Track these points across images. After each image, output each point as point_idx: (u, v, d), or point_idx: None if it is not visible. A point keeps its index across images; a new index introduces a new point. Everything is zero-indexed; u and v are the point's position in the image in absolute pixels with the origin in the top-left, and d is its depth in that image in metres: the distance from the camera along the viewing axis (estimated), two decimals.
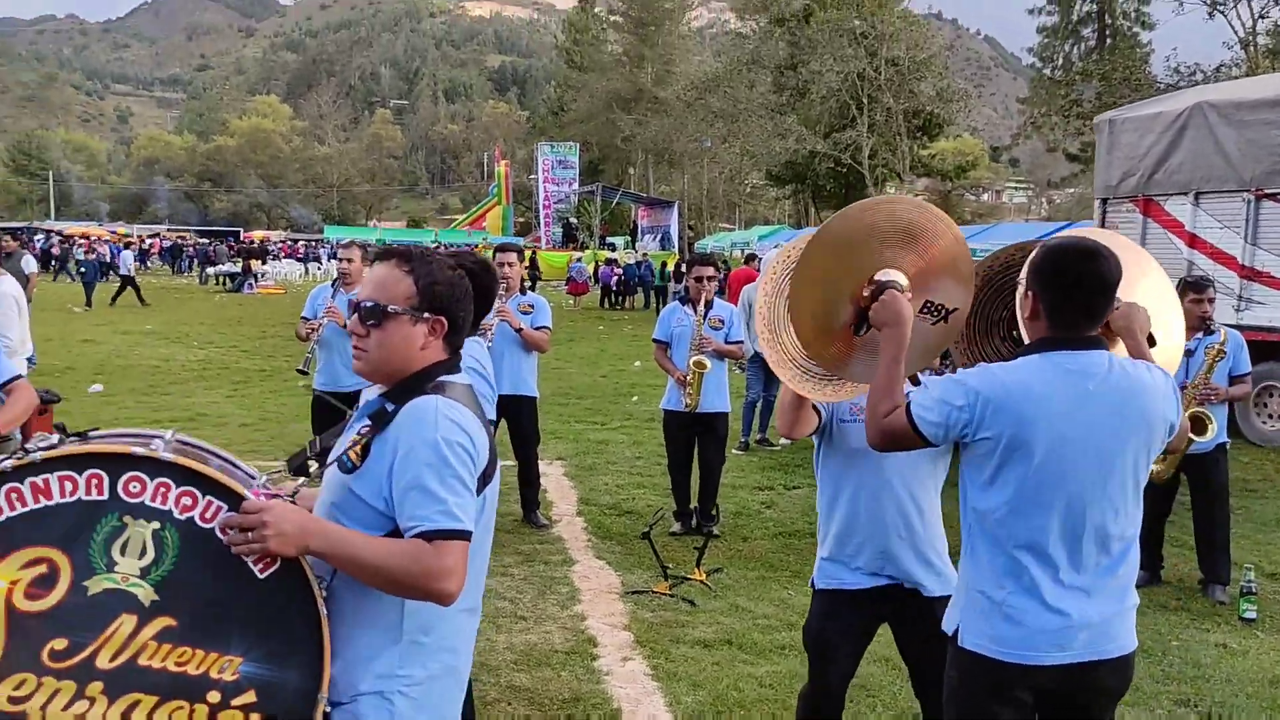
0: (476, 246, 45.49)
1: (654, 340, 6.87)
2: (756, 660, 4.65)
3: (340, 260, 6.85)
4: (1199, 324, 5.75)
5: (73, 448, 1.99)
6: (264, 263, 37.58)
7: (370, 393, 2.26)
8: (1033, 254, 2.50)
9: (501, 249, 6.79)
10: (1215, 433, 5.63)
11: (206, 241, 50.22)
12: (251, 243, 51.01)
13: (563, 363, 16.31)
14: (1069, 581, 2.38)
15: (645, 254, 35.63)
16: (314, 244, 56.41)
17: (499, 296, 6.59)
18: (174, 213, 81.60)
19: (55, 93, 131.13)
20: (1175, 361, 2.86)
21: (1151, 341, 2.62)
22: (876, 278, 2.61)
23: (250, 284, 32.51)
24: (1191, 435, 5.58)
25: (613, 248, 41.63)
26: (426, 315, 2.14)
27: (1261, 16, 30.09)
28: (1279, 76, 13.87)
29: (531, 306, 6.78)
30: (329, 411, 6.64)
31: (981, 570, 2.45)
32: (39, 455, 1.95)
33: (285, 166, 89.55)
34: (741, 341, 6.78)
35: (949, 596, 2.70)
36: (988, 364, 2.56)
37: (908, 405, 2.45)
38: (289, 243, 60.02)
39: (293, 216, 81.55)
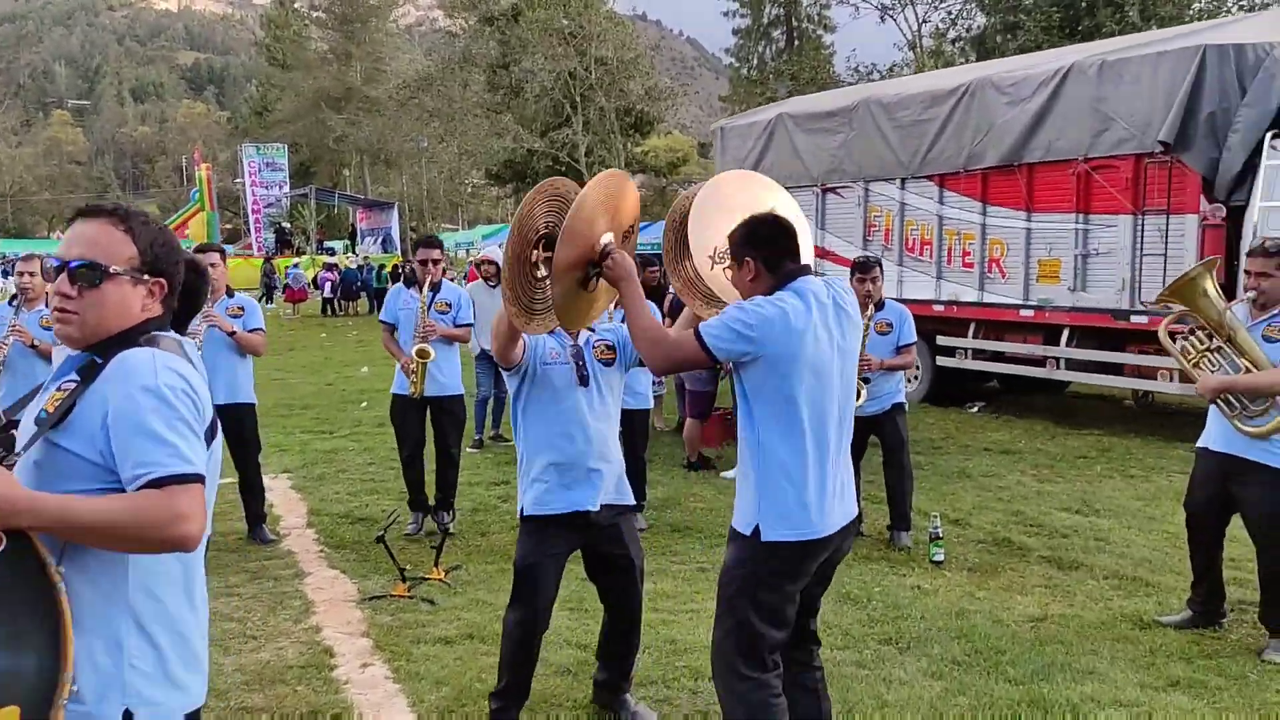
0: None
1: (380, 322, 6.80)
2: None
3: (20, 275, 6.31)
4: (864, 301, 6.34)
5: None
6: None
7: (60, 353, 2.11)
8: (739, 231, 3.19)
9: (203, 249, 6.48)
10: (865, 399, 6.21)
11: None
12: None
13: (284, 373, 15.66)
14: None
15: (366, 257, 34.73)
16: None
17: (209, 301, 6.30)
18: None
19: None
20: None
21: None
22: (601, 244, 3.27)
23: None
24: None
25: (331, 252, 40.26)
26: (148, 277, 2.05)
27: (924, 21, 33.27)
28: (844, 92, 15.75)
29: (241, 309, 6.50)
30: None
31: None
32: None
33: None
34: (470, 325, 6.78)
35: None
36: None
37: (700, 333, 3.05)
38: None
39: None
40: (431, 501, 6.79)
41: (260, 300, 32.12)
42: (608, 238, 3.29)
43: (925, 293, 11.43)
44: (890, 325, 6.52)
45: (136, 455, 1.86)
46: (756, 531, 3.04)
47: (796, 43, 40.15)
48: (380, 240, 44.00)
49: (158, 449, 1.86)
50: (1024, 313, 10.61)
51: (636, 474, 6.96)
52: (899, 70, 31.70)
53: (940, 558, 6.02)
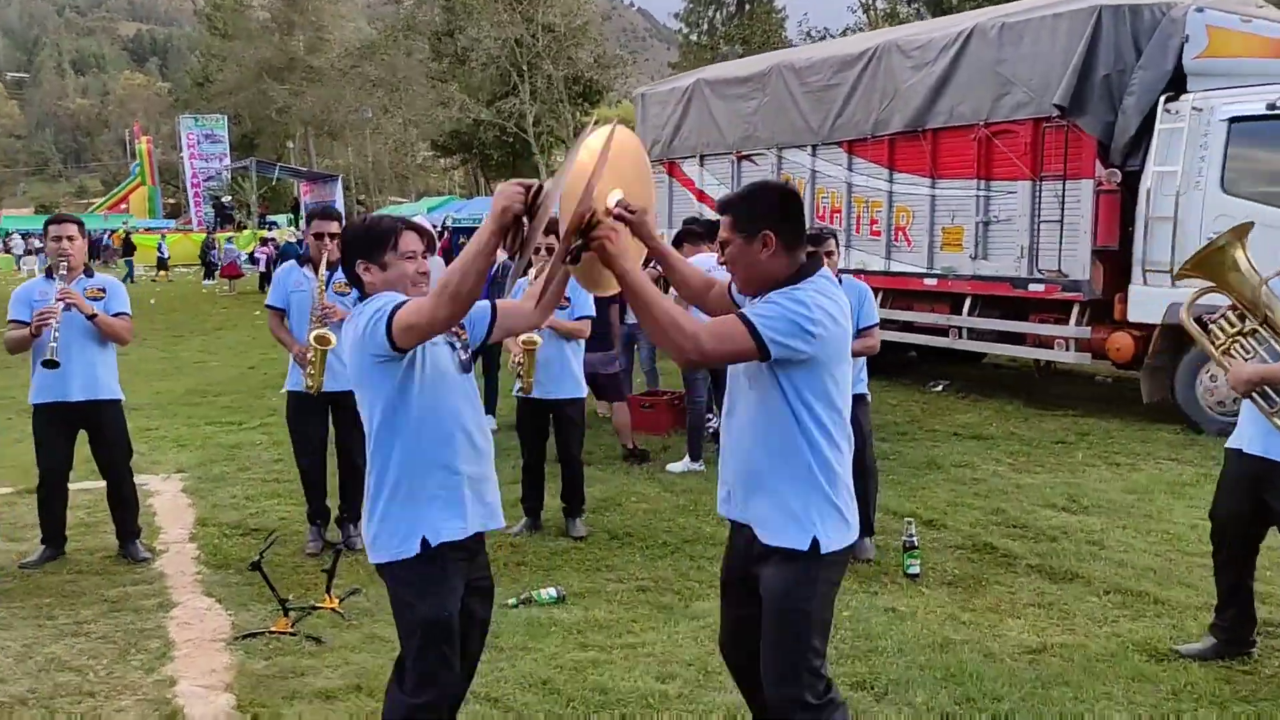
0: (114, 232, 41.07)
1: (267, 306, 5.86)
2: None
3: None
4: None
5: None
6: None
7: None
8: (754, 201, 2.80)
9: (56, 220, 5.54)
10: None
11: None
12: None
13: (206, 355, 14.62)
14: None
15: (304, 231, 33.45)
16: None
17: (58, 277, 5.36)
18: None
19: None
20: None
21: None
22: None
23: None
24: None
25: (274, 226, 38.88)
26: None
27: None
28: (759, 58, 15.19)
29: (103, 291, 5.55)
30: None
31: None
32: None
33: None
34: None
35: None
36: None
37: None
38: None
39: None
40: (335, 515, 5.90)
41: (204, 277, 31.00)
42: (616, 195, 2.76)
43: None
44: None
45: None
46: (816, 545, 2.74)
47: (748, 6, 39.22)
48: None
49: None
50: (928, 281, 10.47)
51: (571, 479, 6.15)
52: (852, 32, 30.90)
53: (916, 570, 5.24)
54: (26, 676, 4.15)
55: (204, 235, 35.74)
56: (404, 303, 2.76)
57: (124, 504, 5.65)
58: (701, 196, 12.98)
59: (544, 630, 4.55)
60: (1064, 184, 9.17)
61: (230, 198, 45.72)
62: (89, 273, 5.60)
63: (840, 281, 5.59)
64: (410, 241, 2.97)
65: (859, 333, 5.52)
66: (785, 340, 2.61)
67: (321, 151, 59.77)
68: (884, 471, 7.16)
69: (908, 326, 10.75)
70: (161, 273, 34.06)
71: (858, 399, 5.58)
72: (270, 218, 44.84)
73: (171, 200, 65.30)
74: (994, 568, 5.39)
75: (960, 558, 5.55)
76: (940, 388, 10.78)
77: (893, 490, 6.74)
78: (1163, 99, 8.64)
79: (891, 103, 10.60)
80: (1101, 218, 8.89)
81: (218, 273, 30.52)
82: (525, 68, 36.35)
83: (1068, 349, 9.39)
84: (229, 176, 47.38)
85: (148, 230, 42.68)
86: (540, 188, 2.58)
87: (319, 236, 5.62)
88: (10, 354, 5.59)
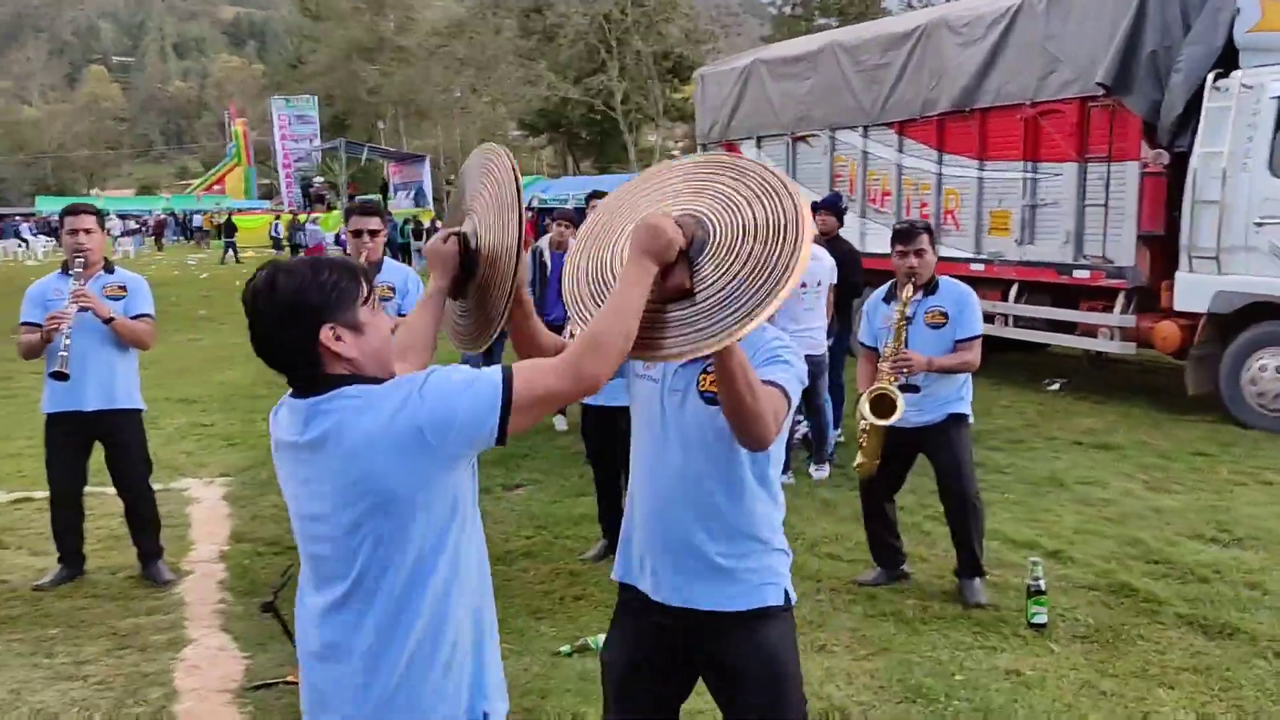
0: (207, 214, 41.72)
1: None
2: None
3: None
4: (904, 281, 4.70)
5: None
6: None
7: None
8: None
9: (71, 211, 4.99)
10: (900, 414, 4.53)
11: None
12: None
13: None
14: None
15: (389, 213, 33.38)
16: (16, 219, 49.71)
17: (74, 275, 4.83)
18: None
19: None
20: None
21: None
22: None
23: None
24: (872, 418, 4.56)
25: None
26: None
27: None
28: (814, 37, 14.76)
29: (124, 288, 5.02)
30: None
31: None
32: None
33: None
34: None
35: None
36: None
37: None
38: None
39: None
40: None
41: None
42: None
43: (886, 246, 10.05)
44: (945, 315, 4.71)
45: None
46: (787, 595, 2.47)
47: None
48: (413, 194, 42.64)
49: None
50: (975, 267, 10.05)
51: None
52: None
53: (1043, 619, 4.42)
54: None
55: (289, 217, 35.89)
56: (505, 366, 1.87)
57: (143, 524, 5.13)
58: None
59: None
60: (1109, 166, 8.80)
61: (321, 179, 46.00)
62: (109, 268, 5.06)
63: (938, 285, 4.82)
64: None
65: (957, 345, 4.71)
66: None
67: (411, 132, 59.97)
68: (998, 489, 6.36)
69: None
70: (275, 253, 34.35)
71: (955, 419, 4.78)
72: (360, 198, 45.00)
73: (265, 181, 66.31)
74: (1136, 616, 4.54)
75: (1094, 602, 4.71)
76: (1057, 386, 9.79)
77: (1008, 512, 5.90)
78: (1211, 76, 8.13)
79: (940, 82, 10.32)
80: (1146, 202, 8.53)
81: (302, 254, 30.59)
82: (614, 44, 35.71)
83: (1112, 338, 9.00)
84: (319, 157, 47.70)
85: (240, 211, 43.23)
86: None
87: (357, 234, 4.96)
88: (24, 360, 5.10)
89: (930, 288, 4.76)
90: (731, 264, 2.04)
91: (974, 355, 4.69)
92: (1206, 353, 8.27)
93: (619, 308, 1.95)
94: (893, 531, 5.02)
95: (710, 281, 2.04)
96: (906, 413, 4.60)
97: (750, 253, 2.02)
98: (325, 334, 1.85)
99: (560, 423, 8.19)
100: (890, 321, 4.70)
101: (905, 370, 4.57)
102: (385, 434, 1.78)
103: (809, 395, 6.97)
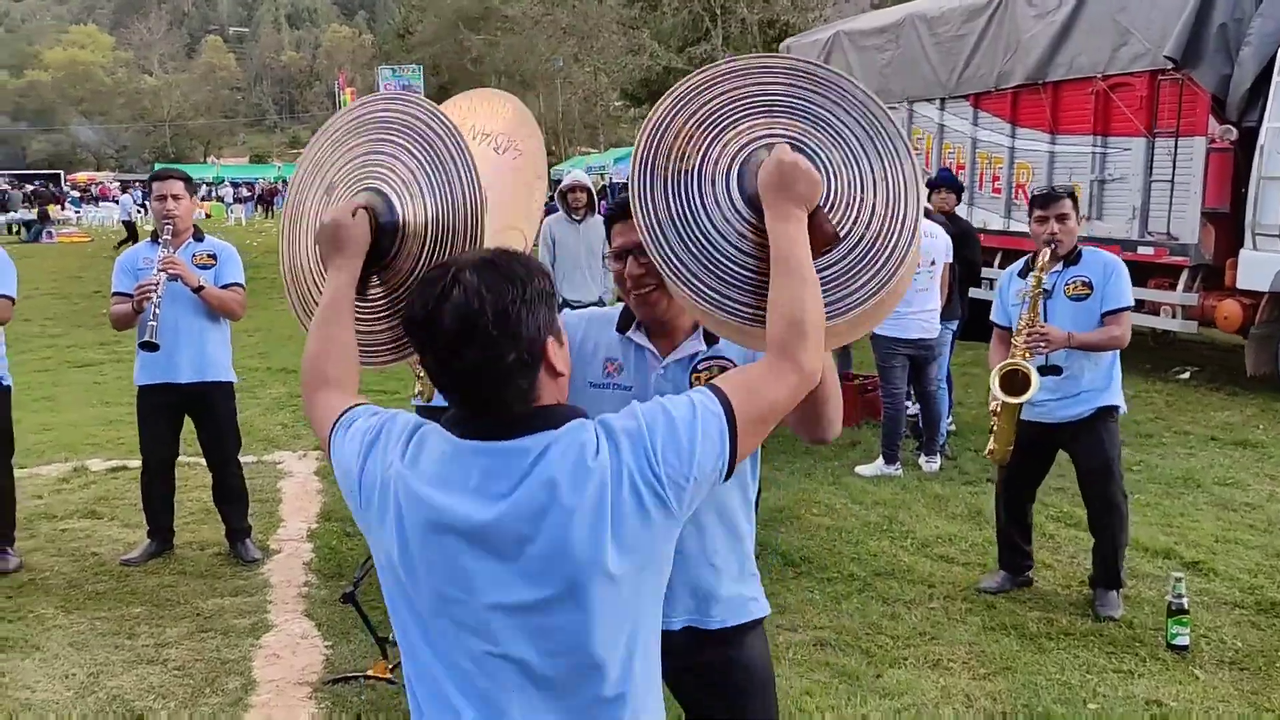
0: None
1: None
2: None
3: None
4: (1047, 249, 4.26)
5: None
6: (63, 207, 33.94)
7: None
8: None
9: (159, 176, 4.89)
10: (1035, 390, 4.12)
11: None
12: (73, 186, 46.58)
13: None
14: None
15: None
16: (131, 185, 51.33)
17: (163, 243, 4.71)
18: None
19: None
20: None
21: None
22: None
23: (49, 232, 29.11)
24: (1002, 395, 4.15)
25: None
26: None
27: None
28: (895, 9, 14.40)
29: (214, 257, 4.90)
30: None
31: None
32: None
33: (109, 101, 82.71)
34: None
35: None
36: None
37: None
38: (114, 184, 55.19)
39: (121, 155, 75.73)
40: None
41: None
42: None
43: None
44: (1089, 285, 4.25)
45: None
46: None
47: None
48: None
49: None
50: None
51: None
52: None
53: (1184, 641, 4.00)
54: None
55: None
56: (711, 385, 1.53)
57: (232, 498, 5.05)
58: None
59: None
60: (1176, 141, 8.70)
61: None
62: (198, 236, 4.95)
63: (1081, 255, 4.38)
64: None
65: (1104, 318, 4.26)
66: None
67: None
68: (1128, 489, 5.86)
69: None
70: None
71: (1105, 413, 4.35)
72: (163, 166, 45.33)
73: None
74: None
75: (1240, 621, 4.26)
76: (1187, 374, 9.15)
77: (1140, 515, 5.43)
78: None
79: (1014, 54, 10.30)
80: (1211, 178, 8.42)
81: None
82: (718, 11, 35.04)
83: (1175, 316, 8.88)
84: None
85: None
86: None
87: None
88: (117, 330, 5.03)
89: (1072, 258, 4.32)
90: (860, 215, 1.71)
91: (1123, 330, 4.24)
92: (1267, 332, 8.20)
93: (803, 275, 1.59)
94: (1026, 536, 4.63)
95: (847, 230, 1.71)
96: (1050, 404, 4.22)
97: (874, 210, 1.69)
98: (551, 348, 1.48)
99: None
100: (1024, 294, 4.29)
101: (1042, 347, 4.16)
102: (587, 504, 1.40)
103: (920, 381, 6.57)
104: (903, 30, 11.97)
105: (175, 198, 4.76)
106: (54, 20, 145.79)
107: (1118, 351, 4.36)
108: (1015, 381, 4.15)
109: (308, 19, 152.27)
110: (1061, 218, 4.26)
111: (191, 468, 5.74)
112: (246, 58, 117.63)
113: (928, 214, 6.68)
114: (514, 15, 51.82)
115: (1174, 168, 8.71)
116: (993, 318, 4.60)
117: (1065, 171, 9.82)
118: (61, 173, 63.06)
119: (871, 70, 12.35)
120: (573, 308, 7.65)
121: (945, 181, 7.45)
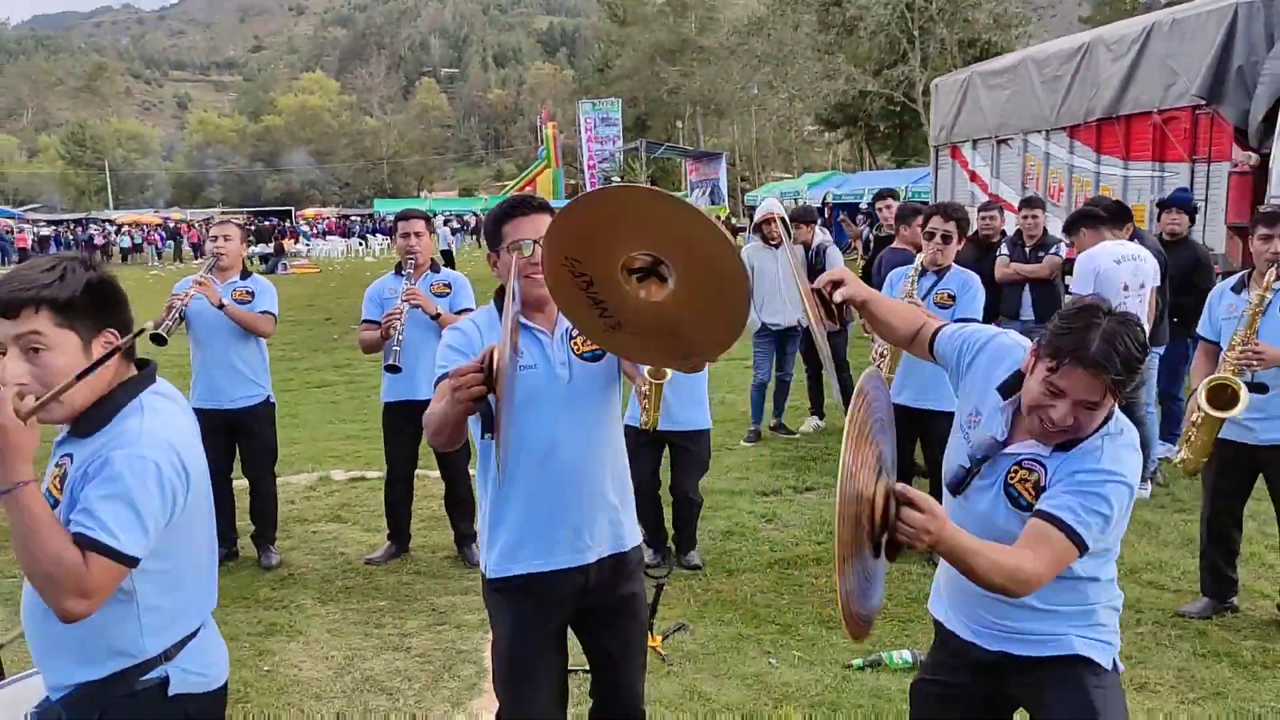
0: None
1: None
2: None
3: (214, 240, 5.49)
4: (1269, 268, 4.17)
5: None
6: (296, 241, 36.71)
7: None
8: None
9: (404, 216, 5.44)
10: (1243, 406, 4.02)
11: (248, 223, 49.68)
12: (295, 223, 50.32)
13: None
14: None
15: None
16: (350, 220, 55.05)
17: (406, 275, 5.26)
18: (228, 195, 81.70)
19: (107, 83, 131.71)
20: None
21: None
22: None
23: (283, 264, 31.66)
24: (1207, 409, 4.06)
25: None
26: None
27: None
28: (1016, 54, 16.07)
29: (449, 286, 5.41)
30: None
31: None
32: None
33: (334, 142, 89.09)
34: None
35: None
36: None
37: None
38: (337, 220, 59.33)
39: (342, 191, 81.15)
40: (670, 544, 5.42)
41: None
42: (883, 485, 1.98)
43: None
44: None
45: None
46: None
47: None
48: (708, 192, 43.31)
49: None
50: None
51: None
52: None
53: None
54: (340, 696, 4.01)
55: None
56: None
57: (461, 506, 5.51)
58: (974, 177, 15.03)
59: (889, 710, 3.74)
60: (1209, 165, 9.79)
61: (620, 177, 47.69)
62: (435, 269, 5.47)
63: None
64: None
65: None
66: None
67: (708, 130, 61.05)
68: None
69: None
70: None
71: None
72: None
73: (571, 181, 69.68)
74: None
75: None
76: None
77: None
78: None
79: (1097, 91, 11.75)
80: (1232, 196, 9.31)
81: None
82: (916, 33, 34.59)
83: None
84: (620, 157, 49.51)
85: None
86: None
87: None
88: (365, 354, 5.62)
89: None
90: None
91: None
92: None
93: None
94: (1231, 562, 4.54)
95: None
96: (1254, 425, 4.16)
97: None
98: None
99: (813, 424, 8.23)
100: (1237, 311, 4.25)
101: (1255, 363, 4.11)
102: None
103: (1130, 407, 6.44)
104: (1019, 71, 13.71)
105: (417, 235, 5.31)
106: (286, 68, 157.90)
107: None
108: (1223, 396, 4.11)
109: (513, 58, 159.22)
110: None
111: (421, 479, 6.28)
112: (456, 97, 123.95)
113: (1140, 236, 6.54)
114: (710, 46, 52.80)
115: (1207, 189, 9.76)
116: (1199, 330, 4.55)
117: (1135, 193, 10.99)
118: (293, 209, 68.31)
119: (995, 105, 14.22)
120: (770, 331, 7.91)
121: (1177, 201, 7.18)
